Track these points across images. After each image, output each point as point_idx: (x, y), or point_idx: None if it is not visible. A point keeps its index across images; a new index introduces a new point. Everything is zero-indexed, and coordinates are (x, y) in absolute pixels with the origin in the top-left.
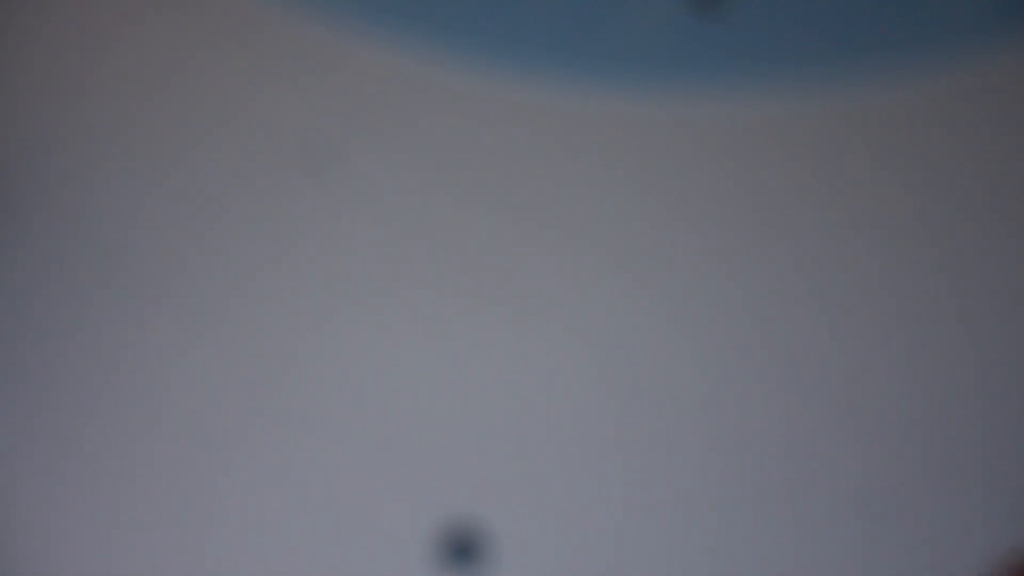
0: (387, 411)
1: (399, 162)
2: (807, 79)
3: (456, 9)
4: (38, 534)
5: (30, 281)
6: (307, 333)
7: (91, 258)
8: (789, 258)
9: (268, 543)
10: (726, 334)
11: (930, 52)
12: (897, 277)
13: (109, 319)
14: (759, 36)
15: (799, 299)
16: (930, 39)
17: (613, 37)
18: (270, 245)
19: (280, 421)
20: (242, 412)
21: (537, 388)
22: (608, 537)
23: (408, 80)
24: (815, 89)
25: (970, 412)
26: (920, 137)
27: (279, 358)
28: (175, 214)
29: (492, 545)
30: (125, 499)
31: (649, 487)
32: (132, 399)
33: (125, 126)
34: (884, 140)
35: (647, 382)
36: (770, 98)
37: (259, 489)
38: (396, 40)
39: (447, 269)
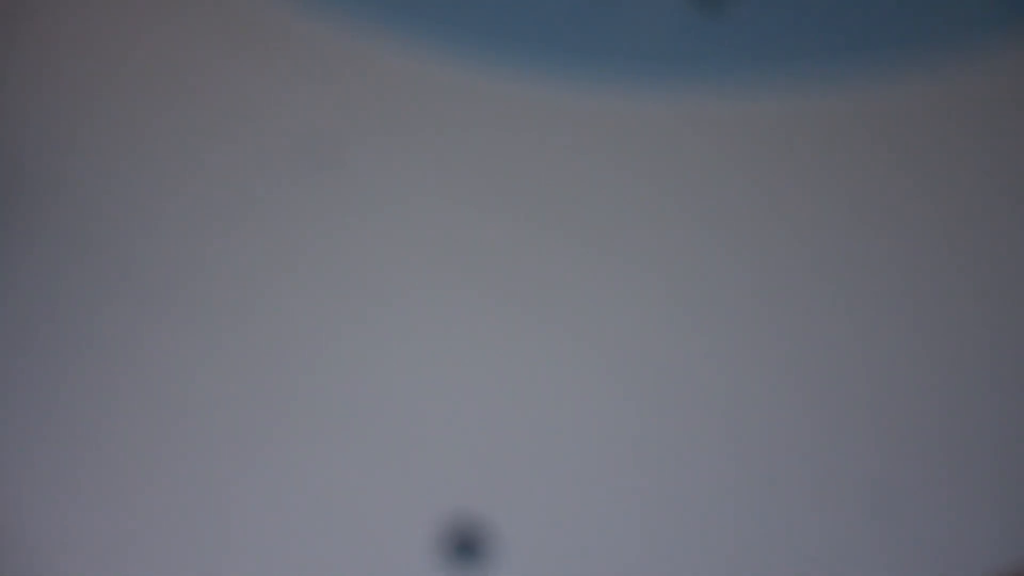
0: (398, 411)
1: (408, 161)
2: (813, 75)
3: (460, 7)
4: (52, 537)
5: (44, 284)
6: (319, 334)
7: (104, 260)
8: (799, 255)
9: (273, 541)
10: (734, 330)
11: (938, 48)
12: (909, 272)
13: (122, 322)
14: (765, 32)
15: (810, 295)
16: (937, 35)
17: (618, 35)
18: (282, 247)
19: (288, 421)
20: (247, 411)
21: (548, 386)
22: (617, 537)
23: (415, 79)
24: (822, 85)
25: (986, 409)
26: (928, 132)
27: (290, 359)
28: (187, 216)
29: (498, 544)
30: (138, 502)
31: (659, 485)
32: (144, 403)
33: (139, 129)
34: (893, 136)
35: (656, 379)
36: (775, 95)
37: (262, 487)
38: (405, 39)
39: (455, 268)
